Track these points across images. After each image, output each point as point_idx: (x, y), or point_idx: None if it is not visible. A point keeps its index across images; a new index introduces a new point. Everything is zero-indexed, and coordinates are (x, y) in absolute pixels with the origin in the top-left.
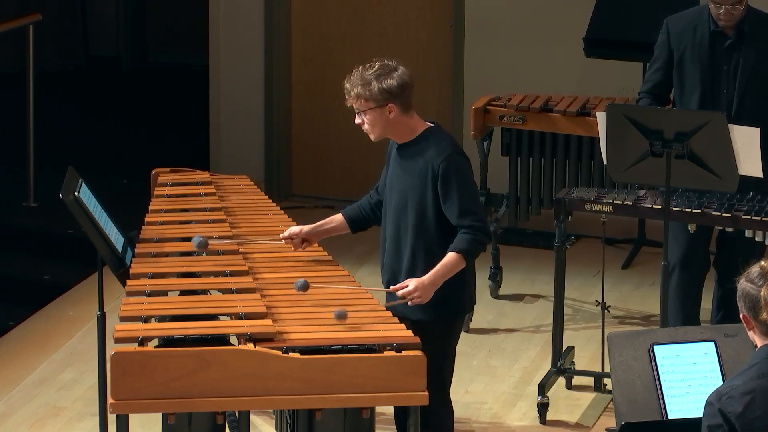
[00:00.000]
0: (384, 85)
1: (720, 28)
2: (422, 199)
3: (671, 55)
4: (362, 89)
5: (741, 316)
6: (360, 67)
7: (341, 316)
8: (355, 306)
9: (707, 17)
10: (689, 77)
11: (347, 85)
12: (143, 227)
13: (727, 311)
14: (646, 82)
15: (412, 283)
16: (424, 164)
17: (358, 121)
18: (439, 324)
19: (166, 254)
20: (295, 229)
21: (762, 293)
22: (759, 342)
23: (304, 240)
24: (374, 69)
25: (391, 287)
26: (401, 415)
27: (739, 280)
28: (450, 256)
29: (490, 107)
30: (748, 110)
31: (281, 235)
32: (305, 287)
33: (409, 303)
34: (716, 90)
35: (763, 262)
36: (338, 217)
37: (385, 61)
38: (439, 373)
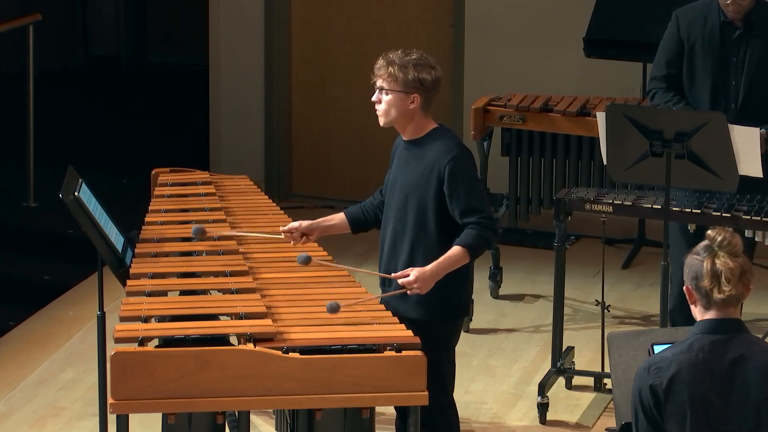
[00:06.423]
0: (420, 75)
1: (729, 19)
2: (424, 198)
3: (682, 46)
4: (399, 70)
5: (684, 288)
6: (399, 51)
7: (333, 309)
8: (355, 306)
9: (717, 8)
10: (700, 69)
11: (382, 61)
12: (143, 227)
13: None
14: (655, 76)
15: (413, 273)
16: (428, 164)
17: (375, 98)
18: (439, 325)
19: (166, 254)
20: (294, 224)
21: (705, 264)
22: (698, 316)
23: (304, 234)
24: (414, 57)
25: (392, 274)
26: (402, 419)
27: (686, 255)
28: (455, 249)
29: (490, 107)
30: (755, 102)
31: (281, 229)
32: (307, 261)
33: (408, 293)
34: (726, 81)
35: (709, 231)
36: (340, 216)
37: (424, 55)
38: (440, 374)
